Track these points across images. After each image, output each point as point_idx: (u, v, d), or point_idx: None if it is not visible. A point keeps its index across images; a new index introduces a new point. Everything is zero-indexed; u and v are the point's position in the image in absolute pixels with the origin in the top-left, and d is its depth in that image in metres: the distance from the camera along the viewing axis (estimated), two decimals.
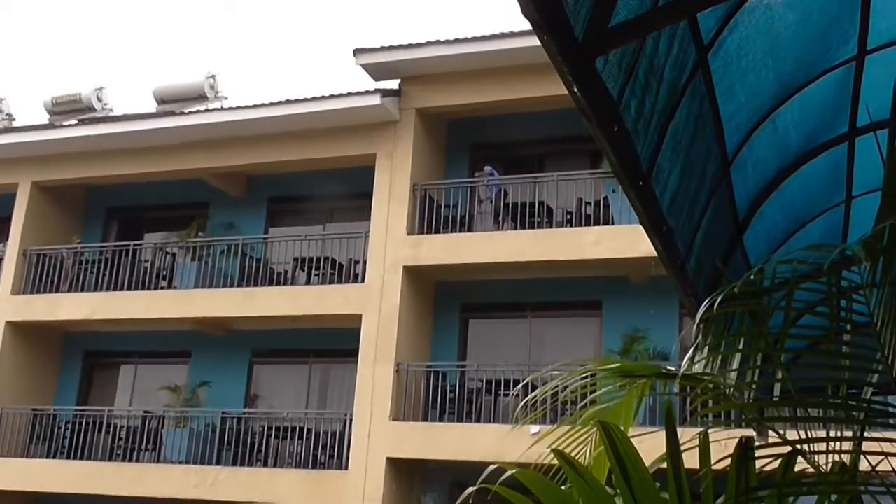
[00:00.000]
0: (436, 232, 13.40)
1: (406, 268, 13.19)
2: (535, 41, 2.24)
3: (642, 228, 3.23)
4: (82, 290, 15.31)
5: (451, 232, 13.39)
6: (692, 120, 3.16)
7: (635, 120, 2.64)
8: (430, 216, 13.50)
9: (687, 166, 3.27)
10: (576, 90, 2.25)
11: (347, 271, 14.05)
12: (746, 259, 4.13)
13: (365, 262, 13.63)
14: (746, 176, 3.84)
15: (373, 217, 13.62)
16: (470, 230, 13.67)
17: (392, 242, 13.32)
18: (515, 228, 13.24)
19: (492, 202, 13.42)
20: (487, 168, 13.70)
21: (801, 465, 2.54)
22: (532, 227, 13.05)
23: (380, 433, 12.68)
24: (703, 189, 3.57)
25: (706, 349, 2.91)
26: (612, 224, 12.51)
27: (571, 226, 12.95)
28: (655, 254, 3.50)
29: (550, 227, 13.11)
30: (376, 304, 13.10)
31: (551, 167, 14.14)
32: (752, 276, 2.58)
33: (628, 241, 11.68)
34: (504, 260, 12.69)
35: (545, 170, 14.19)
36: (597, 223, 12.65)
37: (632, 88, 2.54)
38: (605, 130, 2.47)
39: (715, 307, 2.49)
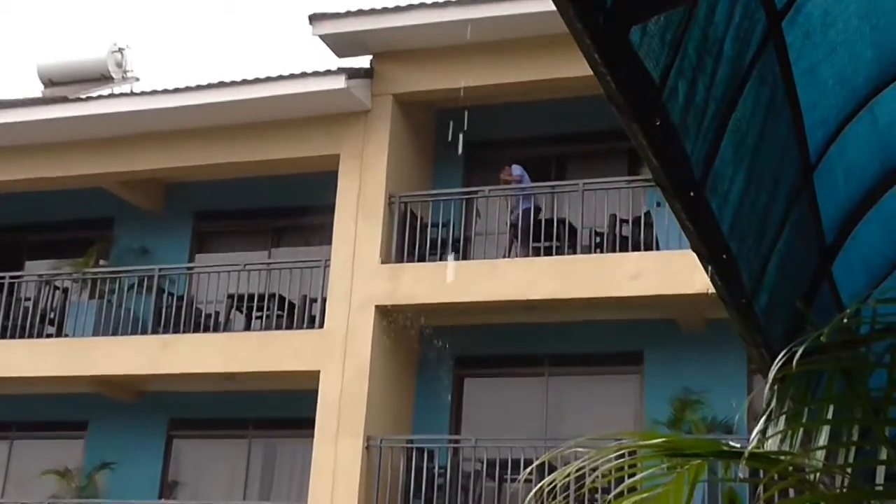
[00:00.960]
0: (420, 260, 13.43)
1: (380, 308, 13.19)
2: (549, 5, 2.25)
3: (695, 255, 3.23)
4: None
5: (442, 259, 13.42)
6: (761, 111, 3.17)
7: (684, 110, 2.65)
8: (412, 238, 13.54)
9: (755, 172, 3.28)
10: (604, 71, 2.26)
11: (301, 313, 14.04)
12: (837, 297, 4.14)
13: (324, 301, 13.63)
14: (836, 185, 3.85)
15: (335, 240, 13.63)
16: (466, 257, 13.68)
17: (361, 274, 13.33)
18: (528, 255, 13.27)
19: (520, 220, 13.32)
20: (516, 169, 13.70)
21: None
22: (550, 252, 13.09)
23: None
24: (776, 202, 3.58)
25: (783, 419, 2.89)
26: (657, 249, 12.57)
27: (602, 251, 12.99)
28: (713, 290, 3.51)
29: (574, 252, 13.15)
30: (339, 358, 13.08)
31: (575, 173, 14.21)
32: (844, 321, 2.57)
33: (678, 272, 11.72)
34: (512, 297, 12.71)
35: (567, 176, 14.25)
36: (636, 248, 12.70)
37: (679, 68, 2.55)
38: (643, 125, 2.48)
39: (794, 362, 2.48)
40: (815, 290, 4.07)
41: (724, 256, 3.32)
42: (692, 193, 2.90)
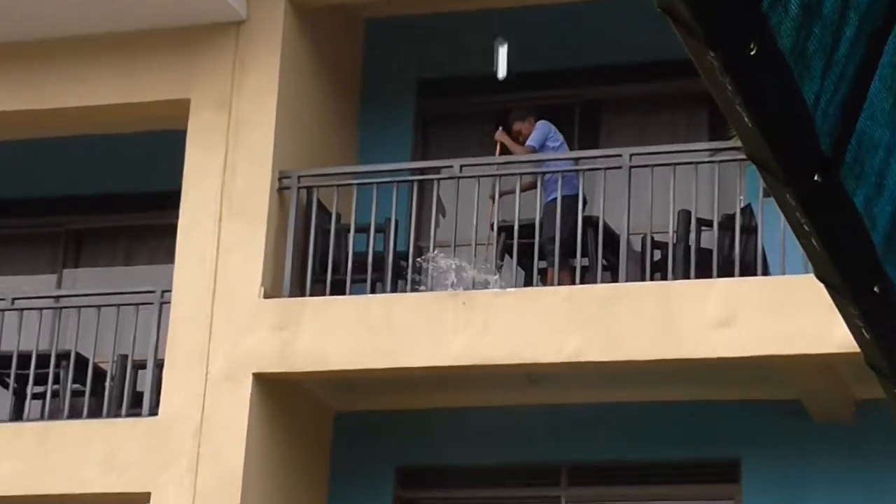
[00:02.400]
0: (336, 292, 13.43)
1: (263, 378, 13.15)
2: None
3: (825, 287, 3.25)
4: None
5: (375, 292, 13.44)
6: None
7: (800, 28, 2.66)
8: (321, 253, 13.56)
9: None
10: None
11: (117, 388, 13.95)
12: None
13: (160, 366, 13.58)
14: None
15: (180, 256, 13.61)
16: (418, 287, 13.65)
17: (229, 317, 13.29)
18: (530, 284, 13.29)
19: (551, 216, 13.29)
20: (542, 129, 13.65)
21: None
22: (570, 279, 13.12)
23: None
24: None
25: None
26: (764, 274, 12.64)
27: (665, 277, 13.03)
28: (860, 351, 3.52)
29: (615, 279, 13.17)
30: (186, 468, 13.02)
31: (615, 137, 14.26)
32: None
33: (803, 315, 11.77)
34: (502, 360, 12.71)
35: (601, 143, 14.32)
36: (726, 272, 12.75)
37: None
38: (727, 55, 2.48)
39: None
40: None
41: (877, 290, 3.32)
42: (816, 177, 2.89)
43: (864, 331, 3.41)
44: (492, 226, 13.46)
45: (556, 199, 13.26)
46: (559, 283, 13.04)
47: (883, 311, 3.39)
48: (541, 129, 13.65)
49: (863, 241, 3.21)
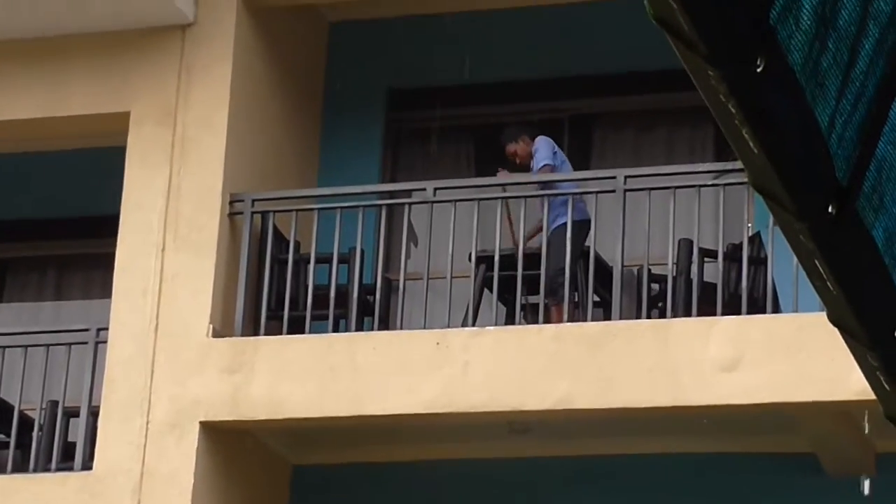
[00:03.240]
0: (294, 330, 13.42)
1: (210, 427, 13.12)
2: None
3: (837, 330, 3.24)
4: None
5: (338, 331, 13.45)
6: None
7: (813, 42, 2.66)
8: (277, 286, 13.56)
9: None
10: None
11: (46, 439, 13.91)
12: None
13: (95, 415, 13.54)
14: None
15: (118, 291, 13.59)
16: (388, 326, 13.66)
17: (173, 359, 13.25)
18: (513, 322, 13.30)
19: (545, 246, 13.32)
20: (543, 146, 13.64)
21: None
22: (557, 316, 13.13)
23: None
24: None
25: None
26: (774, 310, 12.69)
27: (662, 315, 13.06)
28: (879, 400, 3.53)
29: (607, 316, 13.17)
30: None
31: (608, 157, 14.26)
32: None
33: (817, 358, 11.77)
34: (482, 408, 12.71)
35: (592, 164, 14.34)
36: (732, 309, 12.76)
37: None
38: (729, 72, 2.48)
39: None
40: None
41: None
42: (830, 209, 2.90)
43: (883, 381, 3.40)
44: (468, 257, 13.44)
45: (575, 222, 13.17)
46: (547, 321, 13.02)
47: None
48: (545, 146, 13.59)
49: (882, 279, 3.21)
